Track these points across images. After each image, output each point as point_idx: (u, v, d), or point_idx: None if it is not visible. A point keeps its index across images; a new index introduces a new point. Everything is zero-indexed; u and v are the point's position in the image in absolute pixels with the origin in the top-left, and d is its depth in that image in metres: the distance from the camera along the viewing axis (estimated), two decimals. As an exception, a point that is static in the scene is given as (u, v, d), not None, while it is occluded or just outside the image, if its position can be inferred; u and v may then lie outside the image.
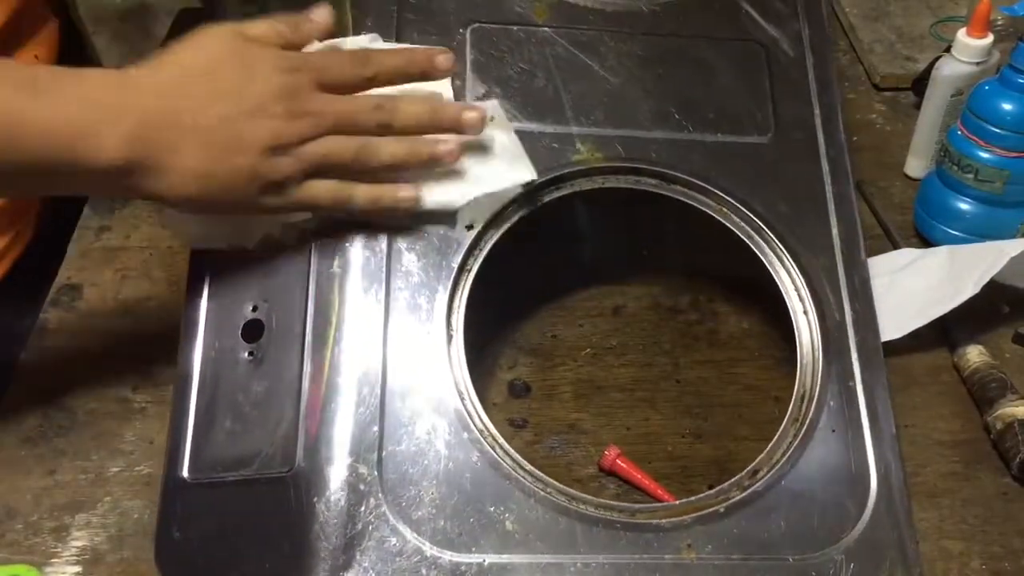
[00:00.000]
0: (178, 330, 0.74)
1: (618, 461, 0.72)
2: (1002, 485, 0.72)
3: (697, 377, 0.79)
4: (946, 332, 0.81)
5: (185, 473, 0.64)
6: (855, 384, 0.69)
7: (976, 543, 0.69)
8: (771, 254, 0.73)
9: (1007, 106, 0.82)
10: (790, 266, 0.72)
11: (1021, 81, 0.81)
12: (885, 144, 1.02)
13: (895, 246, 0.88)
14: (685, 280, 0.86)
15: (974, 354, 0.79)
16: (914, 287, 0.80)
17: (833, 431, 0.67)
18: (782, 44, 0.78)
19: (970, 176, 0.85)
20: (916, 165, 0.97)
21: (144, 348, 0.80)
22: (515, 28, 0.75)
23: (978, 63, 0.90)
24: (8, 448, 0.73)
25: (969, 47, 0.90)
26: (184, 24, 1.17)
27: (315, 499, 0.61)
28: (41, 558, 0.67)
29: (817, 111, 0.77)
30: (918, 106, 0.97)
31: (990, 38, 0.89)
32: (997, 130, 0.83)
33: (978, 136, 0.84)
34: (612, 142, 0.73)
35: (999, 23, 0.96)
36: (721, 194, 0.73)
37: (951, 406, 0.78)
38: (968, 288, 0.77)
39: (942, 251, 0.84)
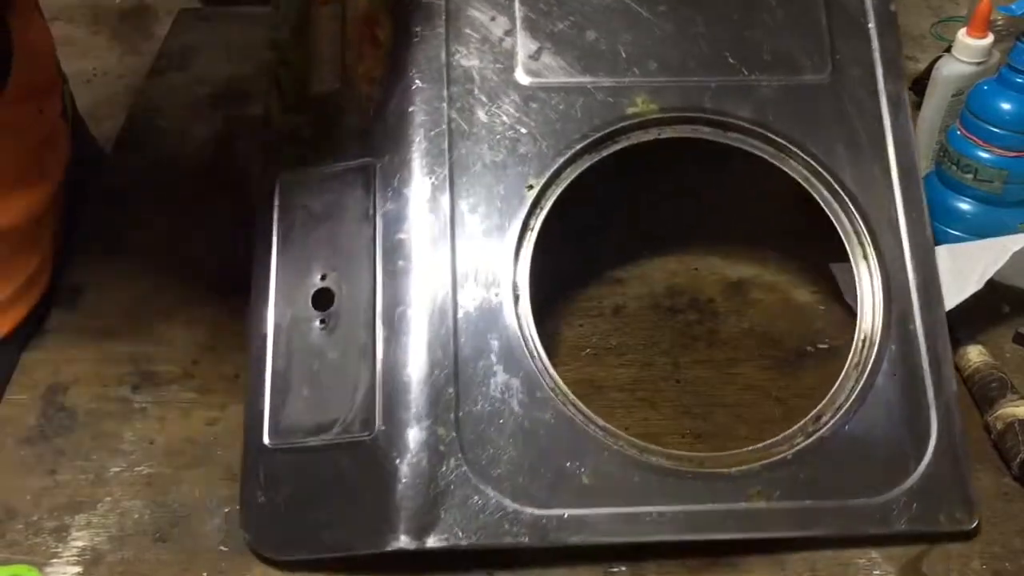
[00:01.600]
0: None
1: (618, 461, 0.72)
2: (1002, 485, 0.72)
3: (697, 377, 0.79)
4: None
5: (266, 439, 0.66)
6: (915, 327, 0.69)
7: (976, 543, 0.69)
8: (829, 197, 0.72)
9: (1006, 106, 0.82)
10: (850, 209, 0.72)
11: (1020, 81, 0.81)
12: (885, 144, 1.02)
13: (895, 246, 0.88)
14: (685, 280, 0.86)
15: (974, 354, 0.79)
16: (914, 287, 0.79)
17: (894, 375, 0.68)
18: None
19: (969, 176, 0.85)
20: (916, 165, 0.97)
21: (144, 348, 0.80)
22: None
23: (978, 63, 0.90)
24: (8, 448, 0.73)
25: (969, 47, 0.90)
26: (184, 24, 1.17)
27: (397, 461, 0.63)
28: (41, 558, 0.67)
29: (876, 44, 0.75)
30: (918, 106, 0.97)
31: (990, 38, 0.89)
32: (996, 130, 0.83)
33: (977, 136, 0.84)
34: (667, 92, 0.73)
35: (999, 23, 0.96)
36: (778, 139, 0.72)
37: (951, 406, 0.78)
38: (971, 284, 0.77)
39: (941, 250, 0.83)
